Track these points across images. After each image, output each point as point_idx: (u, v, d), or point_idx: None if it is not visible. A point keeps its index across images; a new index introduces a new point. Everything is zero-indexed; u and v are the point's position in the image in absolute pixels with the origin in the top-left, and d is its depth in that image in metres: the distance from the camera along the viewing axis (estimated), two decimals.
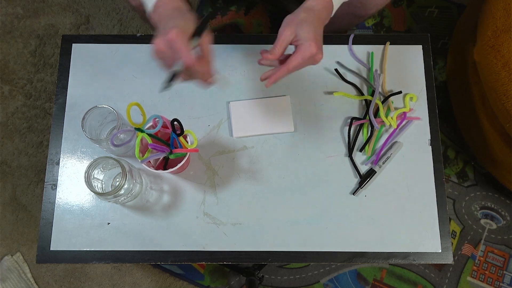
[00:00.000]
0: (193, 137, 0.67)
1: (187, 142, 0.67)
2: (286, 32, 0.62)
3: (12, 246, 1.27)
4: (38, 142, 1.33)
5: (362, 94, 0.80)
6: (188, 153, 0.67)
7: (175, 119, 0.65)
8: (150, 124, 0.66)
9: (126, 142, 0.70)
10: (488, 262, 1.24)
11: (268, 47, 0.81)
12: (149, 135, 0.64)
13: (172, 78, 0.58)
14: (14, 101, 1.36)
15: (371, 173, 0.74)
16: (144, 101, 0.79)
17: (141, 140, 0.65)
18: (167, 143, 0.67)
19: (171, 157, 0.66)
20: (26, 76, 1.38)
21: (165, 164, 0.68)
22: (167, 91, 0.79)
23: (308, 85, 0.80)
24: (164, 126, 0.67)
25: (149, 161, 0.66)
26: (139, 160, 0.64)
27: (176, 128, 0.66)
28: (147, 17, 0.94)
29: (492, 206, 1.28)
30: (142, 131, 0.64)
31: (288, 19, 0.64)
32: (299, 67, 0.64)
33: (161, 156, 0.66)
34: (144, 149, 0.66)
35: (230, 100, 0.79)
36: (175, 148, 0.66)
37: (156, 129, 0.64)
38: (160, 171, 0.66)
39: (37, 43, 1.40)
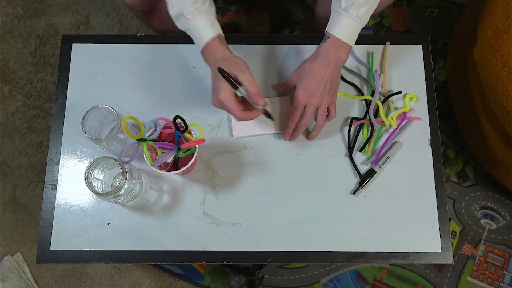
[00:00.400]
0: (199, 128, 0.67)
1: (193, 137, 0.67)
2: (291, 77, 0.75)
3: (12, 246, 1.27)
4: (38, 142, 1.33)
5: (362, 94, 0.80)
6: (197, 150, 0.67)
7: (177, 116, 0.65)
8: (151, 130, 0.65)
9: (133, 156, 0.68)
10: (488, 262, 1.24)
11: (268, 47, 0.82)
12: (153, 140, 0.65)
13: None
14: (14, 101, 1.36)
15: (371, 173, 0.74)
16: (144, 101, 0.79)
17: (149, 148, 0.65)
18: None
19: (180, 155, 0.66)
20: (26, 76, 1.38)
21: (176, 167, 0.68)
22: (167, 92, 0.80)
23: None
24: (167, 127, 0.67)
25: (160, 165, 0.66)
26: (150, 165, 0.64)
27: (180, 126, 0.66)
28: (141, 17, 0.94)
29: (492, 206, 1.28)
30: (144, 140, 0.64)
31: (294, 72, 0.75)
32: (299, 115, 0.72)
33: (171, 156, 0.66)
34: (153, 153, 0.67)
35: None
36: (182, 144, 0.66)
37: (157, 134, 0.64)
38: (172, 172, 0.66)
39: (37, 43, 1.40)
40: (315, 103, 0.70)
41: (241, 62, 0.67)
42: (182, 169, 0.66)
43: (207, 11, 0.68)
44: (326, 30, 0.70)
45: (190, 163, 0.66)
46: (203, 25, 0.67)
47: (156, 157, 0.66)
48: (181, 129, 0.66)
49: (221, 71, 0.64)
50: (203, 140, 0.65)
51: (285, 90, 0.77)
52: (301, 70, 0.72)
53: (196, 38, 0.69)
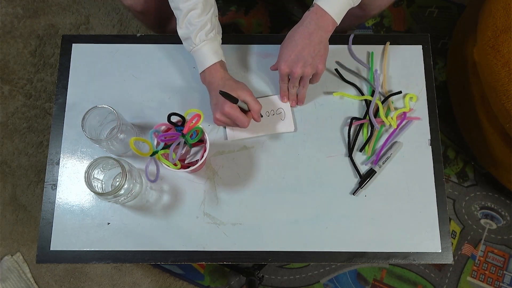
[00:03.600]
0: (196, 111, 0.67)
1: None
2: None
3: (12, 246, 1.27)
4: (38, 142, 1.33)
5: (362, 94, 0.80)
6: (207, 135, 0.68)
7: (171, 114, 0.66)
8: (156, 141, 0.67)
9: (157, 176, 0.70)
10: (488, 262, 1.24)
11: (268, 47, 0.82)
12: (163, 148, 0.66)
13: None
14: (14, 101, 1.36)
15: (371, 173, 0.74)
16: (143, 102, 0.79)
17: (165, 156, 0.67)
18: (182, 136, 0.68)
19: (190, 141, 0.67)
20: (26, 76, 1.38)
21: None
22: (167, 92, 0.80)
23: (308, 85, 0.80)
24: (169, 128, 0.68)
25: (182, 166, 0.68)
26: (175, 170, 0.66)
27: (178, 122, 0.67)
28: (141, 18, 0.95)
29: (492, 206, 1.28)
30: (156, 152, 0.66)
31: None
32: (286, 83, 0.75)
33: (180, 146, 0.67)
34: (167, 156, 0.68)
35: None
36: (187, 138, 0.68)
37: (161, 146, 0.66)
38: (189, 169, 0.67)
39: (37, 43, 1.40)
40: (297, 73, 0.71)
41: (242, 83, 0.72)
42: (201, 161, 0.67)
43: (213, 38, 0.72)
44: (313, 0, 0.70)
45: (205, 155, 0.67)
46: (208, 51, 0.71)
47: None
48: (179, 123, 0.67)
49: (222, 93, 0.67)
50: (199, 115, 0.66)
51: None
52: (285, 39, 0.72)
53: (199, 62, 0.73)
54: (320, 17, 0.68)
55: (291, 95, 0.77)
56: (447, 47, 1.39)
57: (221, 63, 0.72)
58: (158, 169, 0.71)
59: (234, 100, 0.69)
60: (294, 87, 0.75)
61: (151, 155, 0.66)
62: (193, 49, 0.72)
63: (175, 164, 0.66)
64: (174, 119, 0.67)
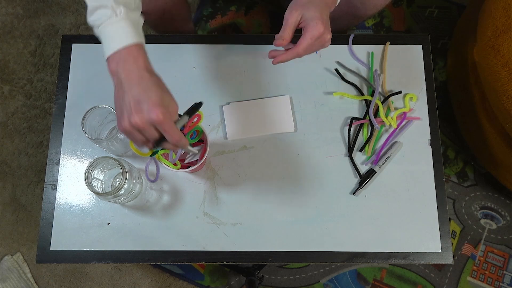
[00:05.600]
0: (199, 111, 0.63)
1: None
2: (292, 14, 0.62)
3: (12, 246, 1.27)
4: (38, 142, 1.33)
5: (362, 94, 0.80)
6: (207, 135, 0.68)
7: None
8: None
9: (157, 175, 0.70)
10: (488, 262, 1.24)
11: (268, 47, 0.81)
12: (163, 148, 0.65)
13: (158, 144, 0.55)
14: (14, 101, 1.36)
15: (371, 173, 0.74)
16: None
17: (165, 156, 0.66)
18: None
19: (191, 141, 0.67)
20: (26, 76, 1.38)
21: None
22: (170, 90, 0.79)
23: (308, 85, 0.80)
24: None
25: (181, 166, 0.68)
26: (175, 170, 0.65)
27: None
28: (144, 18, 0.93)
29: (492, 206, 1.28)
30: (156, 152, 0.65)
31: (293, 3, 0.63)
32: (309, 50, 0.63)
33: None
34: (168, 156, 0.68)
35: (230, 100, 0.79)
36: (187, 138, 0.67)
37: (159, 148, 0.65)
38: (188, 169, 0.67)
39: (37, 43, 1.40)
40: (328, 37, 0.63)
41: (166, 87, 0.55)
42: (204, 156, 0.67)
43: (135, 9, 0.58)
44: None
45: (206, 154, 0.67)
46: (128, 26, 0.54)
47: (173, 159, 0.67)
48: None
49: (199, 105, 0.58)
50: (199, 115, 0.63)
51: (288, 40, 0.64)
52: (298, 3, 0.62)
53: (111, 39, 0.54)
54: None
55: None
56: (447, 47, 1.39)
57: (144, 47, 0.56)
58: (158, 169, 0.71)
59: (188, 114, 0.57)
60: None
61: (151, 155, 0.66)
62: (107, 22, 0.54)
63: (175, 164, 0.66)
64: None
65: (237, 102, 0.79)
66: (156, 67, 0.80)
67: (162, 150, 0.66)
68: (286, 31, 0.62)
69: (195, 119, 0.66)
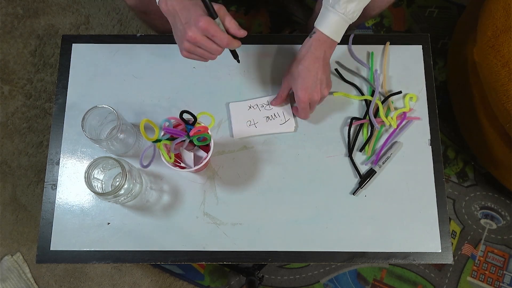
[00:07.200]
0: (208, 115, 0.67)
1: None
2: (284, 84, 0.75)
3: (12, 246, 1.27)
4: (38, 142, 1.33)
5: (362, 94, 0.80)
6: (212, 141, 0.67)
7: (183, 111, 0.65)
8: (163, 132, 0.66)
9: (152, 158, 0.69)
10: (488, 262, 1.24)
11: (268, 47, 0.82)
12: (168, 139, 0.66)
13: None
14: (14, 101, 1.36)
15: (371, 173, 0.74)
16: (144, 101, 0.79)
17: (166, 147, 0.66)
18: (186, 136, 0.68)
19: (197, 143, 0.67)
20: (26, 76, 1.38)
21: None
22: (167, 92, 0.80)
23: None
24: (179, 124, 0.67)
25: (177, 164, 0.67)
26: (168, 164, 0.65)
27: (189, 121, 0.66)
28: (143, 17, 0.94)
29: (492, 206, 1.28)
30: (159, 140, 0.65)
31: (286, 71, 0.74)
32: (307, 112, 0.74)
33: (182, 139, 0.66)
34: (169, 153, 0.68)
35: (230, 100, 0.79)
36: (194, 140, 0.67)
37: (166, 136, 0.65)
38: (192, 168, 0.67)
39: (37, 43, 1.40)
40: (317, 99, 0.72)
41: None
42: (208, 156, 0.66)
43: None
44: (314, 24, 0.71)
45: (209, 154, 0.66)
46: None
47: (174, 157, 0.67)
48: (190, 122, 0.66)
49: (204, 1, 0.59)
50: (206, 128, 0.66)
51: (281, 101, 0.77)
52: (292, 73, 0.72)
53: None
54: (323, 43, 0.70)
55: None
56: (447, 47, 1.39)
57: None
58: (153, 157, 0.69)
59: (213, 14, 0.59)
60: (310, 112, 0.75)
61: (154, 141, 0.65)
62: None
63: (170, 157, 0.66)
64: (186, 116, 0.67)
65: (241, 101, 0.79)
66: (156, 67, 0.81)
67: (165, 141, 0.65)
68: (279, 96, 0.76)
69: (201, 128, 0.65)
